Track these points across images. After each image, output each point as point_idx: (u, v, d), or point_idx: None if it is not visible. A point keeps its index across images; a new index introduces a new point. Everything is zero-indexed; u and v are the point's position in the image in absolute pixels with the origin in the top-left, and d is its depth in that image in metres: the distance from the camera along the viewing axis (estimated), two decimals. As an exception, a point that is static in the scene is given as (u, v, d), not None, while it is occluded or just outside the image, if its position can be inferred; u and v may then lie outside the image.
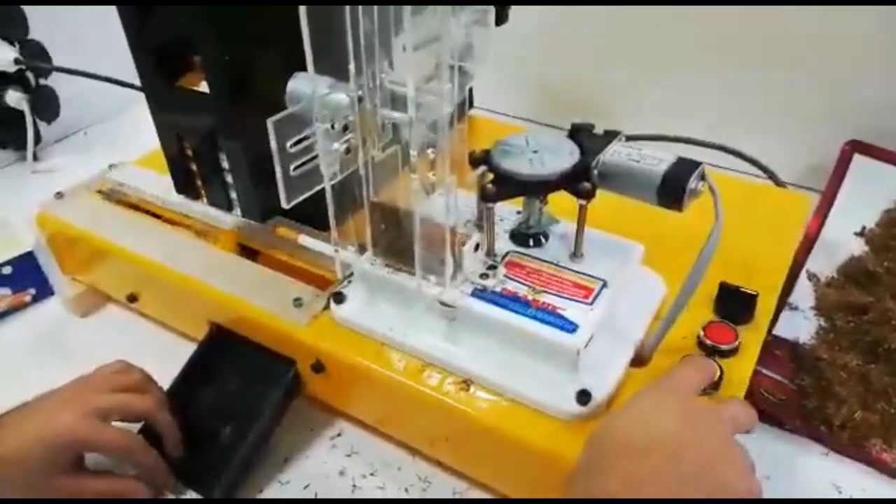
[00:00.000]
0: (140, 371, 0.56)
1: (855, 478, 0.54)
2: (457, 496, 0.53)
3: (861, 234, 0.71)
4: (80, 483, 0.51)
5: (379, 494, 0.54)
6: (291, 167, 0.45)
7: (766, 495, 0.37)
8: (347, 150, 0.46)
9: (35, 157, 0.96)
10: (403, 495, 0.53)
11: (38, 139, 0.95)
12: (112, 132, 1.03)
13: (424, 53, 0.42)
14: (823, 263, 0.68)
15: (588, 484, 0.37)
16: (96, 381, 0.53)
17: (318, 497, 0.53)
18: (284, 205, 0.46)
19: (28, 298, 0.72)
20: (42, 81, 0.94)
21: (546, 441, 0.45)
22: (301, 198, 0.47)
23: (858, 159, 0.72)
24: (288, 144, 0.44)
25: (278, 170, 0.44)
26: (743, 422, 0.40)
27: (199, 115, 0.55)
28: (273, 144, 0.43)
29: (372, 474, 0.55)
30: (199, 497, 0.53)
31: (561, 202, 0.50)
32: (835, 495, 0.53)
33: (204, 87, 0.54)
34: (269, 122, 0.43)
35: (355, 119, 0.45)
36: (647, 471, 0.35)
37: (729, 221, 0.45)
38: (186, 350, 0.59)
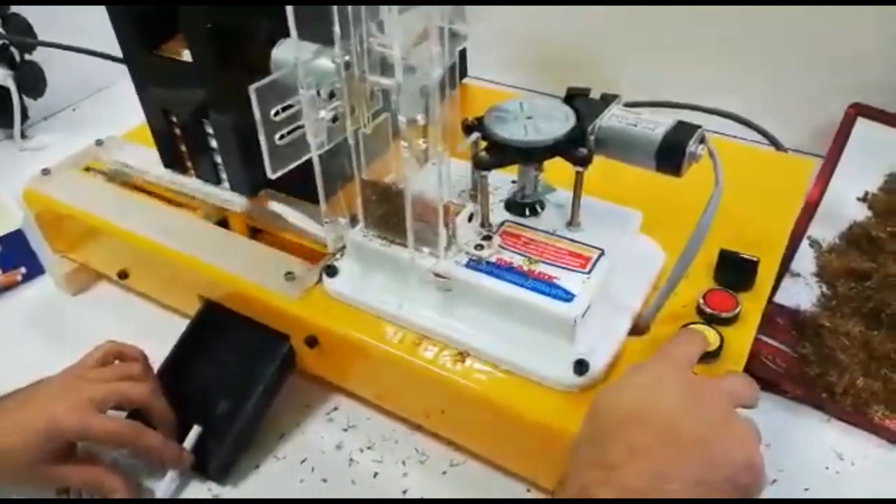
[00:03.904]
0: (136, 357, 0.55)
1: (857, 445, 0.53)
2: (454, 467, 0.53)
3: (864, 199, 0.69)
4: (66, 471, 0.50)
5: (376, 468, 0.53)
6: (276, 136, 0.44)
7: (769, 464, 0.36)
8: (335, 119, 0.45)
9: (23, 135, 0.94)
10: (401, 468, 0.53)
11: (25, 116, 0.94)
12: (100, 107, 1.02)
13: (413, 15, 0.40)
14: (825, 229, 0.67)
15: (593, 452, 0.36)
16: (90, 372, 0.52)
17: (315, 471, 0.53)
18: (270, 175, 0.44)
19: (19, 277, 0.72)
20: (27, 57, 0.92)
21: (543, 412, 0.44)
22: (287, 168, 0.45)
23: (862, 123, 0.70)
24: (272, 112, 0.43)
25: (262, 139, 0.43)
26: (744, 395, 0.39)
27: (182, 87, 0.54)
28: (256, 113, 0.42)
29: (369, 448, 0.55)
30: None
31: (557, 170, 0.49)
32: (836, 463, 0.52)
33: (187, 56, 0.52)
34: (252, 89, 0.41)
35: (342, 86, 0.43)
36: (649, 439, 0.35)
37: (729, 187, 0.44)
38: (180, 326, 0.59)
